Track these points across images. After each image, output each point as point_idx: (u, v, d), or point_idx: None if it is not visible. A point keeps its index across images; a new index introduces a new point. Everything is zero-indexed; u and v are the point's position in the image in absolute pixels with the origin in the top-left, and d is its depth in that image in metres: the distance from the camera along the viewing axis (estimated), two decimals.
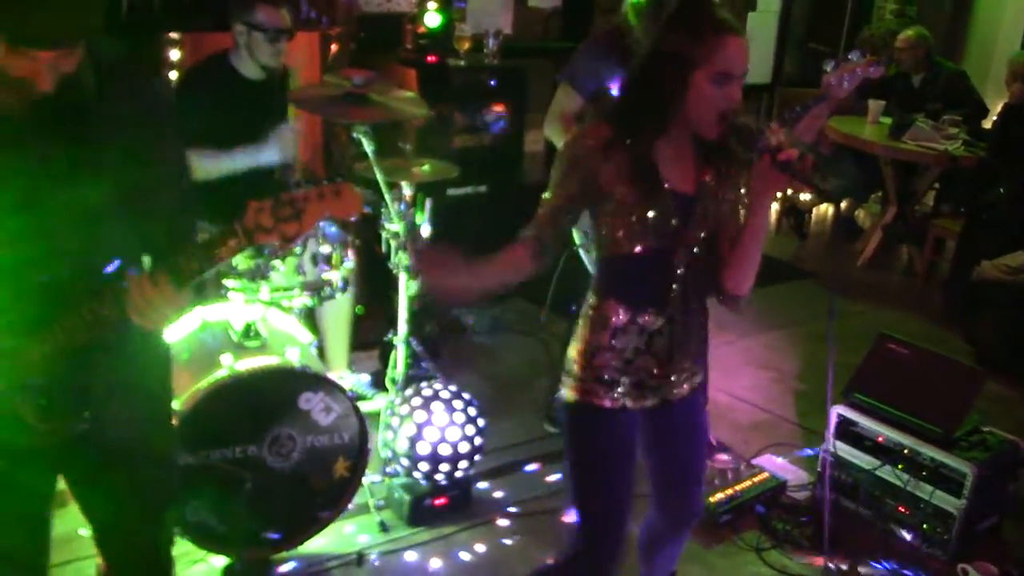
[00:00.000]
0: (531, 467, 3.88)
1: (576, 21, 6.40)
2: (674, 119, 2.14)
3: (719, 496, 3.62)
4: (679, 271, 2.25)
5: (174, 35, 4.83)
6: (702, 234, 2.25)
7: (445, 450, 3.39)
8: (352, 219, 1.96)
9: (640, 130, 2.15)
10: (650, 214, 2.17)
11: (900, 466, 3.51)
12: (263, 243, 1.75)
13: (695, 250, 2.26)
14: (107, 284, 1.79)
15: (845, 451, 3.66)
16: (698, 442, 2.60)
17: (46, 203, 1.75)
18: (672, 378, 2.36)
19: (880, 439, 3.58)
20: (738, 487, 3.70)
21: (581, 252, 3.71)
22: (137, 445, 2.04)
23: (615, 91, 3.50)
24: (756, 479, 3.77)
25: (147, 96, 1.93)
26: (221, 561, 3.12)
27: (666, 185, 2.18)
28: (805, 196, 7.70)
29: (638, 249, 2.21)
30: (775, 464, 3.99)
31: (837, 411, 3.67)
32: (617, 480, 2.37)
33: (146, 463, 2.10)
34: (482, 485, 3.71)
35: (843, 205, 7.48)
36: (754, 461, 3.98)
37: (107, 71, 1.82)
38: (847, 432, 3.67)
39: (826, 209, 7.76)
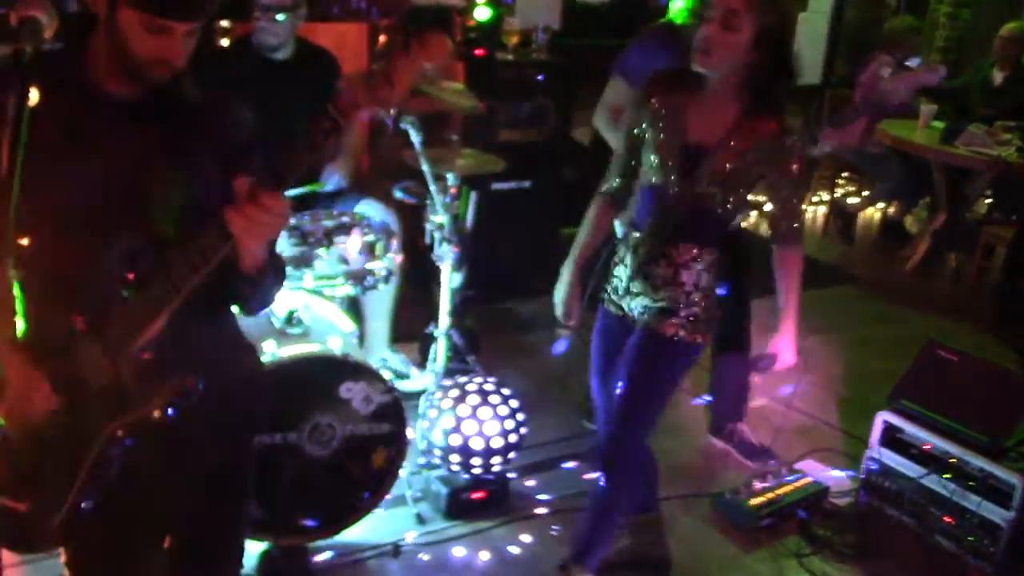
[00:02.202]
0: (569, 464, 3.85)
1: (626, 16, 6.36)
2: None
3: (760, 500, 3.57)
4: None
5: (225, 24, 4.85)
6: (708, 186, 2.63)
7: (483, 444, 3.37)
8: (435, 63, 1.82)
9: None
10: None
11: (947, 475, 3.44)
12: (359, 118, 1.66)
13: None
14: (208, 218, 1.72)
15: (890, 458, 3.59)
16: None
17: (148, 187, 1.77)
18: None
19: (927, 447, 3.51)
20: (779, 491, 3.64)
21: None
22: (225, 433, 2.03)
23: None
24: (798, 484, 3.71)
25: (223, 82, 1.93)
26: (258, 547, 3.13)
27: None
28: (853, 199, 7.61)
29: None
30: (817, 469, 3.92)
31: (883, 417, 3.60)
32: None
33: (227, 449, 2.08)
34: (520, 480, 3.69)
35: (891, 210, 7.37)
36: (796, 466, 3.92)
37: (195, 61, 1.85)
38: (893, 439, 3.60)
39: (872, 213, 7.64)
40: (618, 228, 3.30)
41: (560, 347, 4.35)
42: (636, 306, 2.80)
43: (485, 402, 3.41)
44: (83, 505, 1.86)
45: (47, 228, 1.79)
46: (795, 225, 2.73)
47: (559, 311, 2.95)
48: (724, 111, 2.62)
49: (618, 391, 2.77)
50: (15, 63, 1.34)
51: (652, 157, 2.69)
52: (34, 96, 1.35)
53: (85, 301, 1.78)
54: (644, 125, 2.72)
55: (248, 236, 1.68)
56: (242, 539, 2.24)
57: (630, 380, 2.74)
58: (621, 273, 2.82)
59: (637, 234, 2.76)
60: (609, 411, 2.85)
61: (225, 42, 4.72)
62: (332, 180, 3.85)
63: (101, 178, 1.77)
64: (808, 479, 3.76)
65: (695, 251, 2.70)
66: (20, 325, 1.77)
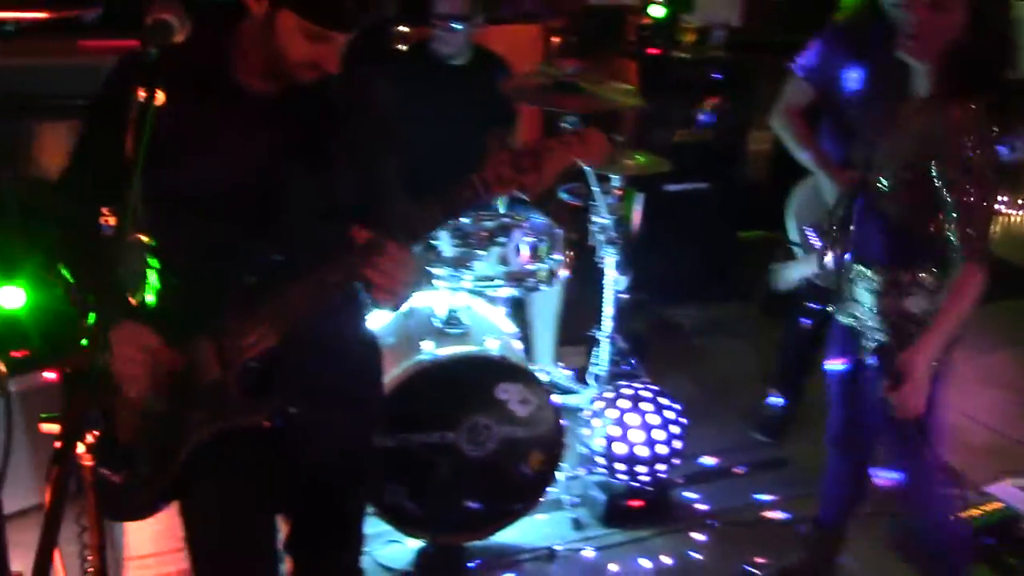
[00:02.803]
0: (735, 476, 3.71)
1: (809, 13, 6.09)
2: None
3: None
4: None
5: (403, 28, 4.96)
6: None
7: (642, 451, 3.29)
8: (593, 168, 1.80)
9: None
10: None
11: None
12: (500, 194, 1.67)
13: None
14: (335, 254, 1.78)
15: None
16: None
17: (281, 185, 1.81)
18: None
19: None
20: (966, 515, 3.37)
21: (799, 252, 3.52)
22: (336, 454, 2.06)
23: (848, 84, 3.32)
24: (987, 508, 3.43)
25: (384, 99, 1.96)
26: (416, 544, 3.16)
27: None
28: None
29: None
30: (1010, 493, 3.61)
31: None
32: None
33: (343, 473, 2.11)
34: (681, 490, 3.59)
35: None
36: (986, 488, 3.63)
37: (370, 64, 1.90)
38: None
39: None
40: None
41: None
42: (871, 341, 2.55)
43: (644, 408, 3.33)
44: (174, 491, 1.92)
45: (177, 219, 1.85)
46: (973, 234, 2.31)
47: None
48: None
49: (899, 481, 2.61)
50: (139, 63, 1.38)
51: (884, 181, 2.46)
52: (160, 95, 1.39)
53: (208, 299, 1.82)
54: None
55: (383, 295, 1.72)
56: (360, 531, 2.25)
57: (911, 473, 2.60)
58: (862, 301, 2.55)
59: (863, 267, 2.53)
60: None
61: (402, 47, 4.84)
62: None
63: (231, 174, 1.81)
64: (999, 503, 3.47)
65: (921, 274, 2.45)
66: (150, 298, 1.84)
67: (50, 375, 3.15)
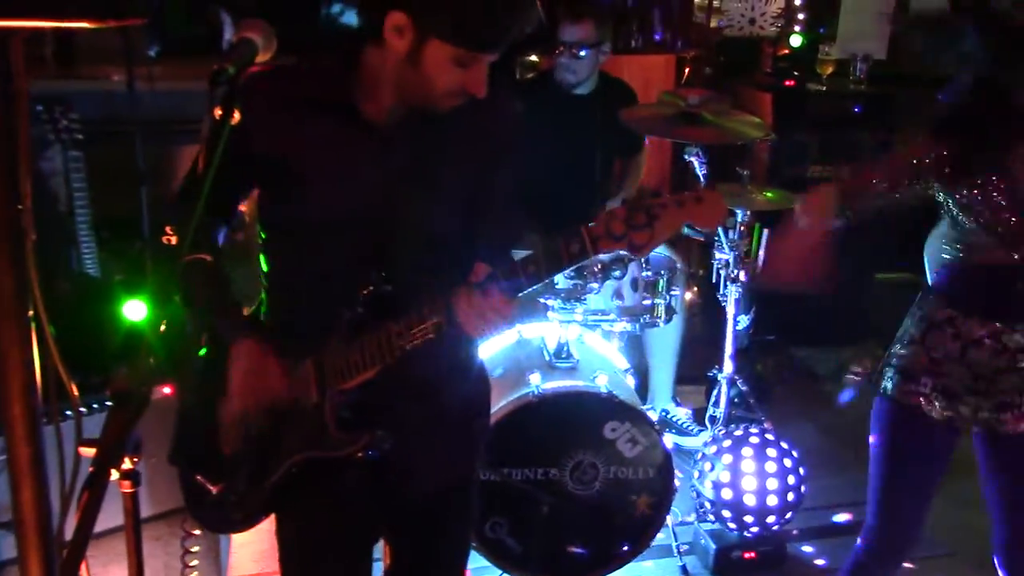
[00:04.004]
0: (858, 532, 3.49)
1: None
2: None
3: None
4: None
5: (532, 58, 4.96)
6: None
7: (755, 500, 3.13)
8: (711, 230, 1.72)
9: None
10: None
11: None
12: (608, 250, 1.60)
13: None
14: (438, 290, 1.73)
15: None
16: None
17: (395, 212, 1.78)
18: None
19: None
20: None
21: None
22: (440, 490, 2.01)
23: None
24: None
25: (502, 119, 1.91)
26: None
27: None
28: None
29: None
30: None
31: None
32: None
33: (447, 505, 2.06)
34: (799, 544, 3.41)
35: None
36: None
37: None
38: None
39: None
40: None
41: (847, 396, 3.96)
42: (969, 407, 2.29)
43: (761, 455, 3.17)
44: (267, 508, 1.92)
45: (290, 245, 1.85)
46: None
47: None
48: None
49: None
50: (218, 80, 1.37)
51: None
52: (237, 114, 1.37)
53: (314, 325, 1.80)
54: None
55: (471, 327, 1.66)
56: (462, 568, 2.19)
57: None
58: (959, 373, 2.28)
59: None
60: None
61: (529, 75, 4.84)
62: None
63: (347, 201, 1.79)
64: None
65: None
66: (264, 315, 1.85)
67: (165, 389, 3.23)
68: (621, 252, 1.60)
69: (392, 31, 1.64)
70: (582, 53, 3.65)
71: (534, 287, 1.63)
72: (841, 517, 3.59)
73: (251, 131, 1.66)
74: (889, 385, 2.34)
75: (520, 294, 1.64)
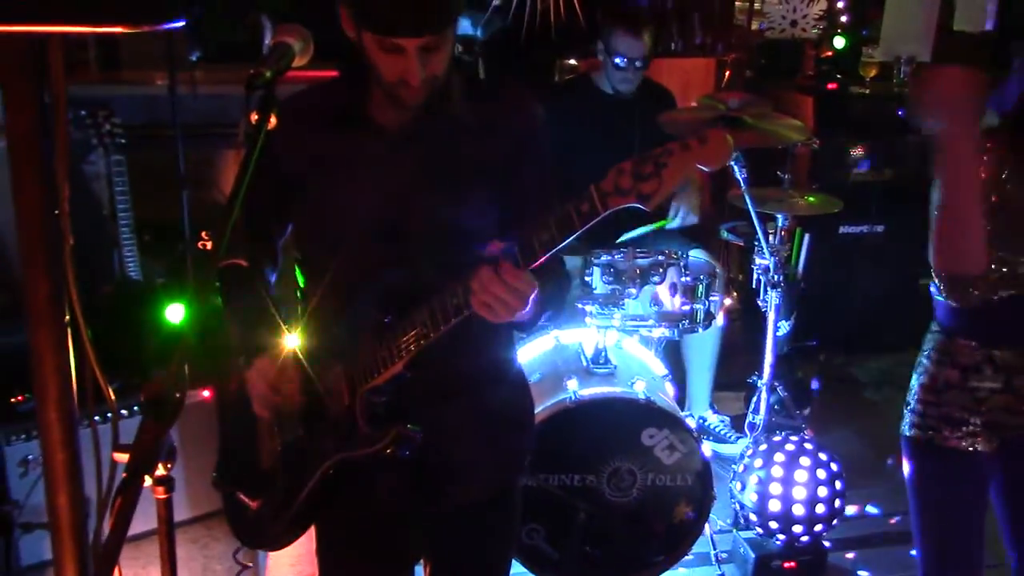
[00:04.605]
0: (899, 541, 3.43)
1: (1008, 46, 5.69)
2: None
3: None
4: None
5: (572, 61, 4.94)
6: None
7: (796, 509, 3.08)
8: (712, 169, 1.64)
9: None
10: None
11: None
12: (618, 206, 1.55)
13: None
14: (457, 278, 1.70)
15: None
16: None
17: (413, 213, 1.78)
18: None
19: None
20: None
21: None
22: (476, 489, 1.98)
23: None
24: None
25: (520, 116, 1.88)
26: None
27: None
28: None
29: None
30: None
31: None
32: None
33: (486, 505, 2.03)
34: (841, 553, 3.35)
35: None
36: None
37: (481, 90, 1.85)
38: None
39: None
40: None
41: None
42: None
43: (800, 464, 3.11)
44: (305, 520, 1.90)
45: (316, 251, 1.86)
46: None
47: None
48: None
49: None
50: (255, 85, 1.36)
51: None
52: (273, 119, 1.37)
53: (341, 328, 1.81)
54: None
55: (489, 312, 1.61)
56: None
57: None
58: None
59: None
60: None
61: (568, 77, 4.83)
62: (679, 215, 3.73)
63: (367, 207, 1.79)
64: None
65: None
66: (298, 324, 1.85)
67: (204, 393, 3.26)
68: (635, 204, 1.55)
69: (347, 28, 1.67)
70: (638, 64, 3.66)
71: (550, 254, 1.58)
72: (880, 526, 3.53)
73: (279, 153, 1.68)
74: None
75: (535, 265, 1.59)
